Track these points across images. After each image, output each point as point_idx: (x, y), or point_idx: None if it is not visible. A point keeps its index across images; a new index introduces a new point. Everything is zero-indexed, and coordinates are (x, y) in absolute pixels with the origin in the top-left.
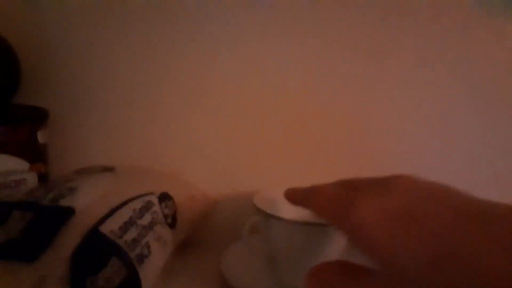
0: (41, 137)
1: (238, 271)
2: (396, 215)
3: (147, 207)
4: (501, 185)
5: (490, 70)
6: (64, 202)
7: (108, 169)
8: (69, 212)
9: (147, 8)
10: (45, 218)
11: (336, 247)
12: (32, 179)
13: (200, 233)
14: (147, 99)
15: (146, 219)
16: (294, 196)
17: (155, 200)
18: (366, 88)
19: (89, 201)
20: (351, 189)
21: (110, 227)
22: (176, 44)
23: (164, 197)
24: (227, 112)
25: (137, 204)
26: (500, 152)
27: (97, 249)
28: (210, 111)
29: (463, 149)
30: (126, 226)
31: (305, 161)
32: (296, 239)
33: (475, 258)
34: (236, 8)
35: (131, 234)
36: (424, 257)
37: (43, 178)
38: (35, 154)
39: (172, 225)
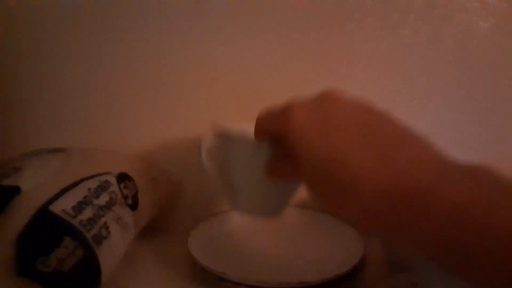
0: None
1: (206, 250)
2: (321, 119)
3: (103, 186)
4: (466, 146)
5: (452, 35)
6: (8, 182)
7: (58, 150)
8: (14, 191)
9: None
10: None
11: None
12: None
13: (167, 216)
14: (104, 80)
15: (103, 199)
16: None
17: (112, 180)
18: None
19: (37, 181)
20: (288, 103)
21: (61, 207)
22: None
23: (123, 177)
24: (187, 94)
25: (93, 184)
26: (465, 115)
27: (47, 229)
28: (170, 92)
29: (428, 114)
30: (81, 206)
31: None
32: (258, 156)
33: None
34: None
35: (86, 214)
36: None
37: None
38: None
39: (133, 206)
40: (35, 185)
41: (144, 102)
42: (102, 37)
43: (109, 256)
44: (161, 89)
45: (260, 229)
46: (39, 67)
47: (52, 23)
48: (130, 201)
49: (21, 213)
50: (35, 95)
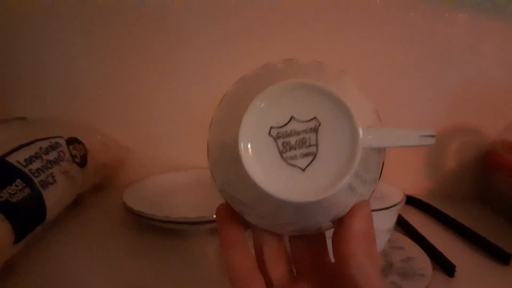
0: None
1: (139, 200)
2: None
3: (54, 146)
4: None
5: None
6: None
7: (20, 119)
8: None
9: None
10: None
11: None
12: None
13: (117, 175)
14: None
15: (52, 156)
16: None
17: (63, 142)
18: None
19: (1, 140)
20: None
21: (16, 158)
22: None
23: (73, 141)
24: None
25: (44, 144)
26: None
27: (4, 173)
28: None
29: None
30: (31, 159)
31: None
32: None
33: None
34: None
35: (36, 165)
36: None
37: None
38: None
39: (81, 164)
40: None
41: (100, 79)
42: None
43: (54, 198)
44: (119, 68)
45: (190, 188)
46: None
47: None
48: (78, 160)
49: None
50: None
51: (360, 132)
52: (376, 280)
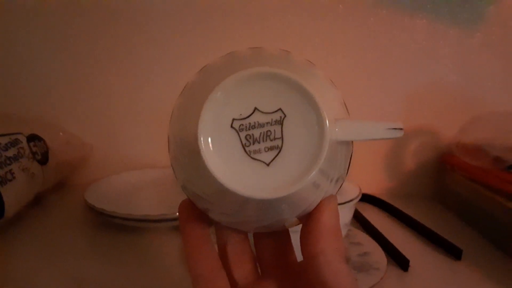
0: None
1: (100, 198)
2: None
3: (13, 143)
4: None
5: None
6: None
7: None
8: None
9: None
10: None
11: None
12: None
13: (78, 175)
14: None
15: (11, 152)
16: None
17: (23, 139)
18: None
19: None
20: None
21: None
22: None
23: (34, 138)
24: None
25: (3, 140)
26: None
27: None
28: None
29: None
30: None
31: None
32: None
33: None
34: None
35: None
36: None
37: None
38: None
39: (42, 161)
40: None
41: (62, 76)
42: None
43: (13, 195)
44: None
45: (153, 186)
46: None
47: None
48: (39, 157)
49: None
50: None
51: (327, 124)
52: (344, 277)
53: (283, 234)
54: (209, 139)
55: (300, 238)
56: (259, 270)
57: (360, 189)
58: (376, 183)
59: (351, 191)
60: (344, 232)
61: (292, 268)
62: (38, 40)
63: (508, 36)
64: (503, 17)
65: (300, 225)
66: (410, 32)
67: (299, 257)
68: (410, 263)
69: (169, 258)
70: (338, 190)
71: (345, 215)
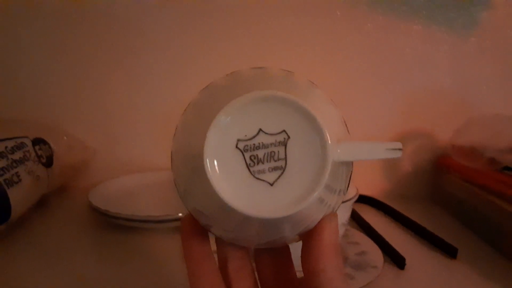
0: None
1: (105, 200)
2: None
3: (19, 146)
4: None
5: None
6: None
7: None
8: None
9: None
10: None
11: None
12: None
13: (81, 179)
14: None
15: (17, 155)
16: None
17: (28, 142)
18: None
19: None
20: None
21: None
22: None
23: (39, 141)
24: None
25: (10, 143)
26: None
27: None
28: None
29: None
30: None
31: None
32: None
33: None
34: None
35: (1, 164)
36: None
37: None
38: None
39: (47, 164)
40: None
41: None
42: None
43: (19, 197)
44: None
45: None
46: None
47: None
48: (44, 160)
49: None
50: None
51: (330, 146)
52: None
53: (283, 250)
54: (215, 160)
55: (301, 255)
56: (259, 286)
57: (357, 189)
58: (373, 184)
59: (349, 191)
60: (341, 231)
61: (292, 284)
62: (41, 46)
63: (502, 41)
64: (497, 23)
65: (301, 242)
66: (406, 37)
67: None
68: (407, 262)
69: (172, 258)
70: (338, 207)
71: (343, 215)
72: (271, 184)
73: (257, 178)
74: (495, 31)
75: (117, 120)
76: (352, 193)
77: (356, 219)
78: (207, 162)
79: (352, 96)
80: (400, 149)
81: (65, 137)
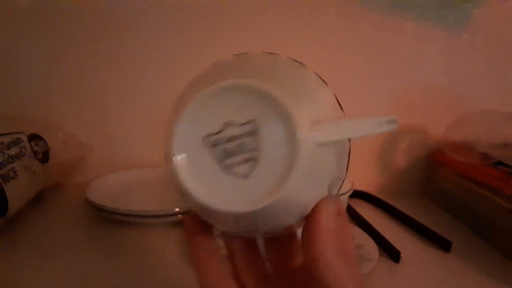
0: None
1: (101, 195)
2: None
3: (15, 142)
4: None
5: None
6: None
7: None
8: None
9: None
10: None
11: None
12: None
13: (76, 175)
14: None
15: (13, 151)
16: None
17: (24, 138)
18: None
19: None
20: None
21: None
22: None
23: (34, 137)
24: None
25: (6, 139)
26: None
27: None
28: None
29: None
30: None
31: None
32: None
33: None
34: None
35: None
36: None
37: None
38: None
39: (43, 160)
40: None
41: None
42: None
43: (15, 192)
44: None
45: (151, 184)
46: None
47: None
48: (40, 156)
49: None
50: None
51: (300, 130)
52: (347, 280)
53: (289, 238)
54: (184, 157)
55: (301, 241)
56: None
57: (353, 183)
58: (368, 180)
59: (343, 185)
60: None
61: (300, 272)
62: (37, 43)
63: (493, 37)
64: (489, 19)
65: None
66: (399, 34)
67: None
68: (402, 255)
69: (169, 253)
70: (338, 190)
71: None
72: (245, 176)
73: (230, 172)
74: (487, 28)
75: (113, 116)
76: (346, 187)
77: (351, 214)
78: (176, 158)
79: (345, 92)
80: (394, 121)
81: (60, 133)
